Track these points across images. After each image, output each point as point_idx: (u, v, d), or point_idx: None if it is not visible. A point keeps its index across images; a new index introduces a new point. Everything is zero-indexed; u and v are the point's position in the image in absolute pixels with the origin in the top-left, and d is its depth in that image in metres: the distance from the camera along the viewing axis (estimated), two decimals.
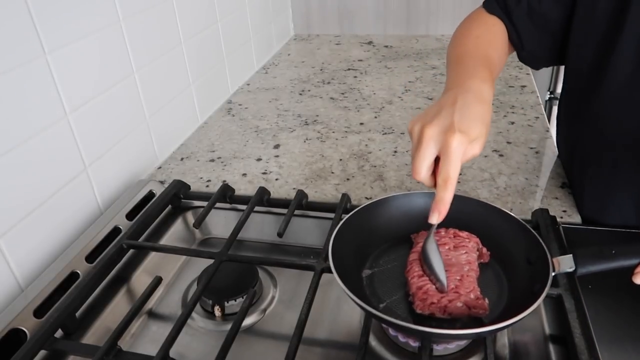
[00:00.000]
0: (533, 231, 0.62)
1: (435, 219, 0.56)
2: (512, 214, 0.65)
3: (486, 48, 0.73)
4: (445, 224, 0.68)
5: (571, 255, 0.57)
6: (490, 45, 0.75)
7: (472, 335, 0.58)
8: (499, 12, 0.79)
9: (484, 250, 0.65)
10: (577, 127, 0.80)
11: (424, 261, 0.61)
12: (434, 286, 0.59)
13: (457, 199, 0.69)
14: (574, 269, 0.56)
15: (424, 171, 0.55)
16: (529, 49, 0.79)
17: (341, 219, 0.65)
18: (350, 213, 0.67)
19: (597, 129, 0.74)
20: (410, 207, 0.70)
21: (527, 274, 0.60)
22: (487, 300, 0.58)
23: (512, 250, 0.64)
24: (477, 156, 0.57)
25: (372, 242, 0.68)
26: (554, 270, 0.56)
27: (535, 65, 0.86)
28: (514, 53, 0.83)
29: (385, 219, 0.69)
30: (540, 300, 0.52)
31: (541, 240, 0.60)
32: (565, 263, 0.56)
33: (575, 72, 0.77)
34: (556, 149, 0.99)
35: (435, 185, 0.56)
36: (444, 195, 0.54)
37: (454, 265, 0.61)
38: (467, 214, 0.69)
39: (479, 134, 0.55)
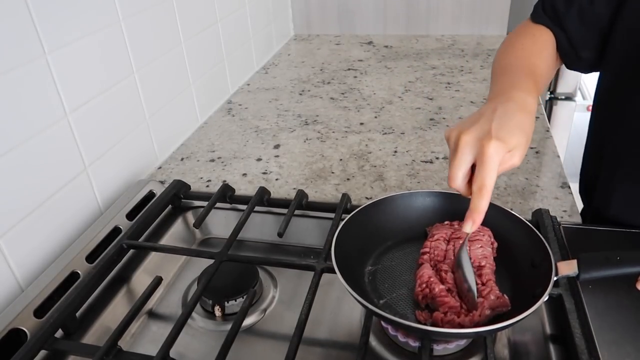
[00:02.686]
0: (539, 234, 0.62)
1: (469, 227, 0.55)
2: (519, 215, 0.65)
3: (532, 58, 0.72)
4: (453, 219, 0.69)
5: (575, 260, 0.56)
6: (537, 55, 0.74)
7: (471, 335, 0.58)
8: (546, 21, 0.78)
9: (495, 244, 0.66)
10: (611, 127, 0.78)
11: (458, 270, 0.60)
12: (454, 302, 0.58)
13: (463, 198, 0.70)
14: (577, 274, 0.56)
15: (459, 179, 0.55)
16: (581, 53, 0.78)
17: (342, 219, 0.66)
18: (355, 211, 0.67)
19: (635, 127, 0.73)
20: (414, 207, 0.71)
21: (529, 276, 0.60)
22: (505, 296, 0.58)
23: (516, 251, 0.64)
24: (517, 166, 0.56)
25: (375, 240, 0.68)
26: (556, 275, 0.56)
27: (586, 70, 0.83)
28: None
29: (389, 217, 0.69)
30: (539, 303, 0.52)
31: (546, 244, 0.60)
32: (568, 268, 0.56)
33: (617, 70, 0.75)
34: (556, 148, 1.00)
35: (471, 193, 0.55)
36: (478, 204, 0.53)
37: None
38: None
39: (518, 143, 0.54)
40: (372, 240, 0.68)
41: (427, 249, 0.65)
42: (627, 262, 0.55)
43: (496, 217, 0.67)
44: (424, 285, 0.60)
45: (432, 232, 0.68)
